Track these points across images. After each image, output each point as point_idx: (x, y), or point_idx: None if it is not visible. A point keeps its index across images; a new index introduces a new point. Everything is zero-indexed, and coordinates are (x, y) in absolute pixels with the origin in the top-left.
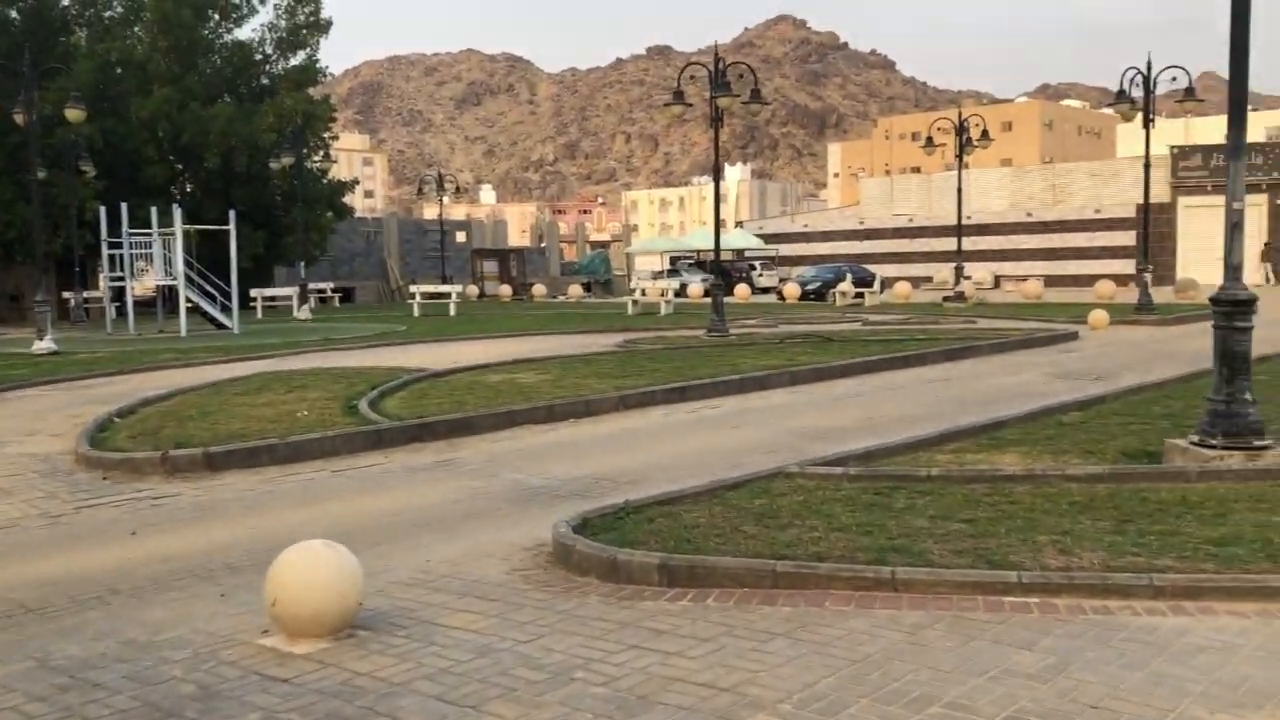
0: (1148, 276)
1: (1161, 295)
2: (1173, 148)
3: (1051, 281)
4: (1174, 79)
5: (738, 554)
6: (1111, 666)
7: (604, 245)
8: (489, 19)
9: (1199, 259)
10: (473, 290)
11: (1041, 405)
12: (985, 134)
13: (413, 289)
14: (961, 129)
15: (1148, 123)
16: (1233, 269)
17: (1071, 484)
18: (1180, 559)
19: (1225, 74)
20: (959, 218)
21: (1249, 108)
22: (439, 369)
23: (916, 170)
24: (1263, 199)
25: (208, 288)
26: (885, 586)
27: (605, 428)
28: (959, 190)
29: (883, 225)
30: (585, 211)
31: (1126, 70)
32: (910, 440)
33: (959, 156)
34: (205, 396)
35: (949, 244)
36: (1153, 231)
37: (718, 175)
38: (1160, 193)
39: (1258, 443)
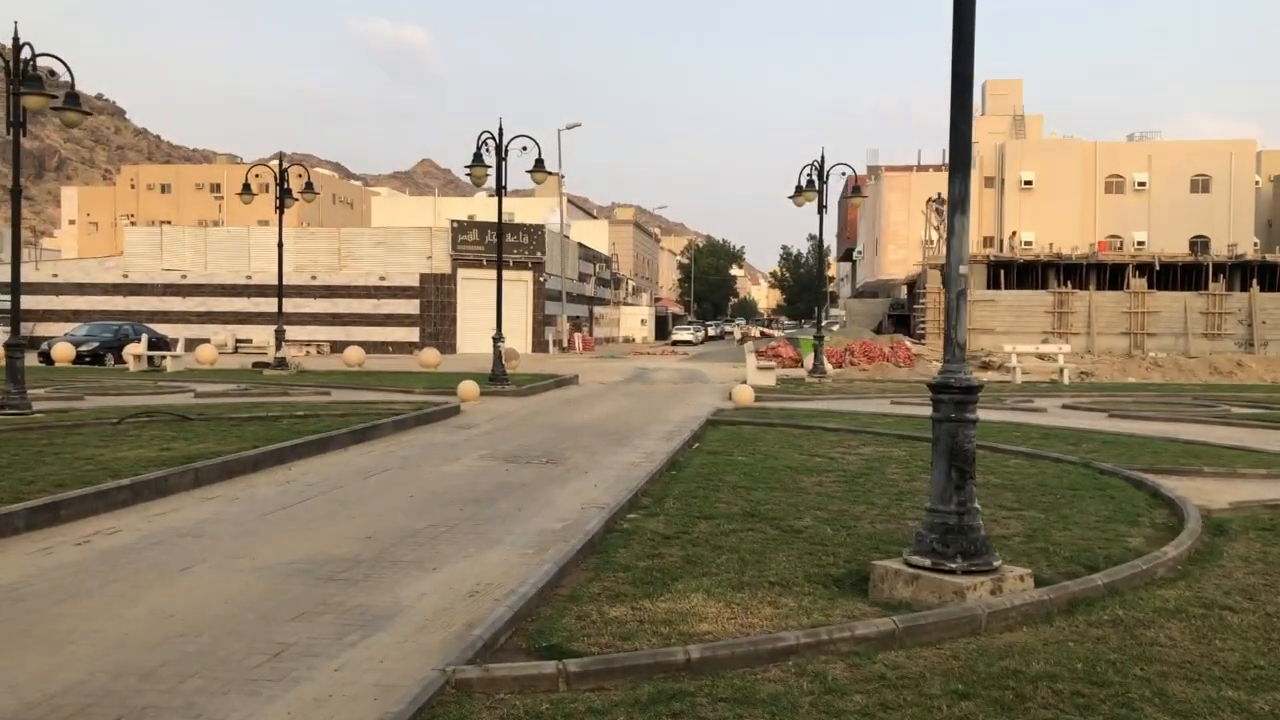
0: (502, 346)
1: (453, 363)
2: (453, 221)
3: (339, 347)
4: (524, 148)
5: None
6: None
7: None
8: None
9: (476, 328)
10: None
11: (584, 505)
12: (309, 186)
13: None
14: (282, 179)
15: (500, 189)
16: (958, 347)
17: (893, 653)
18: None
19: (441, 163)
20: (280, 277)
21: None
22: None
23: (166, 223)
24: (528, 275)
25: None
26: None
27: None
28: (280, 246)
29: (152, 281)
30: None
31: (481, 134)
32: (540, 585)
33: (279, 209)
34: None
35: (229, 304)
36: (435, 300)
37: (18, 197)
38: (442, 265)
39: (995, 563)
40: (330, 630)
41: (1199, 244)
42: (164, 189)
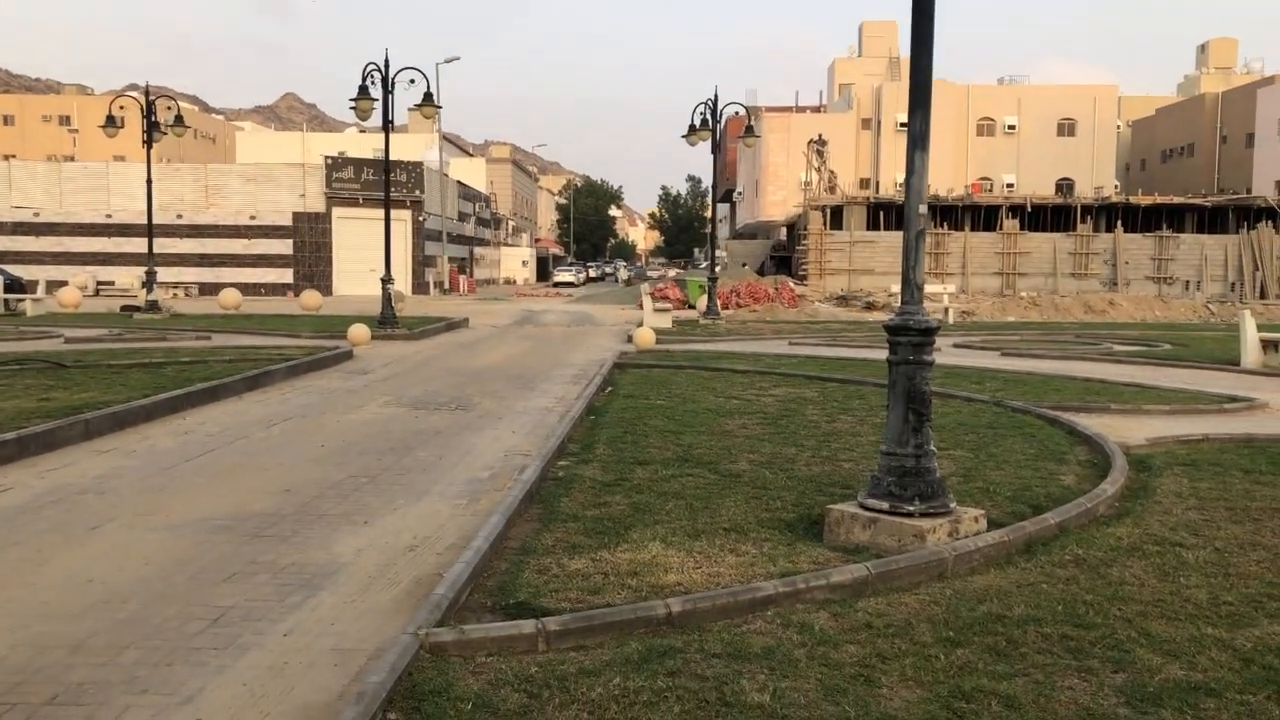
0: (392, 289)
1: (333, 306)
2: (327, 158)
3: (208, 289)
4: (412, 81)
5: None
6: None
7: None
8: None
9: (353, 270)
10: None
11: (507, 453)
12: (180, 119)
13: None
14: (149, 111)
15: (387, 124)
16: (916, 288)
17: (871, 600)
18: None
19: (305, 97)
20: (149, 216)
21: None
22: None
23: (12, 157)
24: (407, 215)
25: None
26: None
27: None
28: (149, 183)
29: (0, 219)
30: None
31: (367, 65)
32: (491, 538)
33: (147, 143)
34: None
35: (88, 244)
36: (310, 240)
37: None
38: (316, 203)
39: (951, 504)
40: (268, 591)
41: (1065, 186)
42: (7, 120)
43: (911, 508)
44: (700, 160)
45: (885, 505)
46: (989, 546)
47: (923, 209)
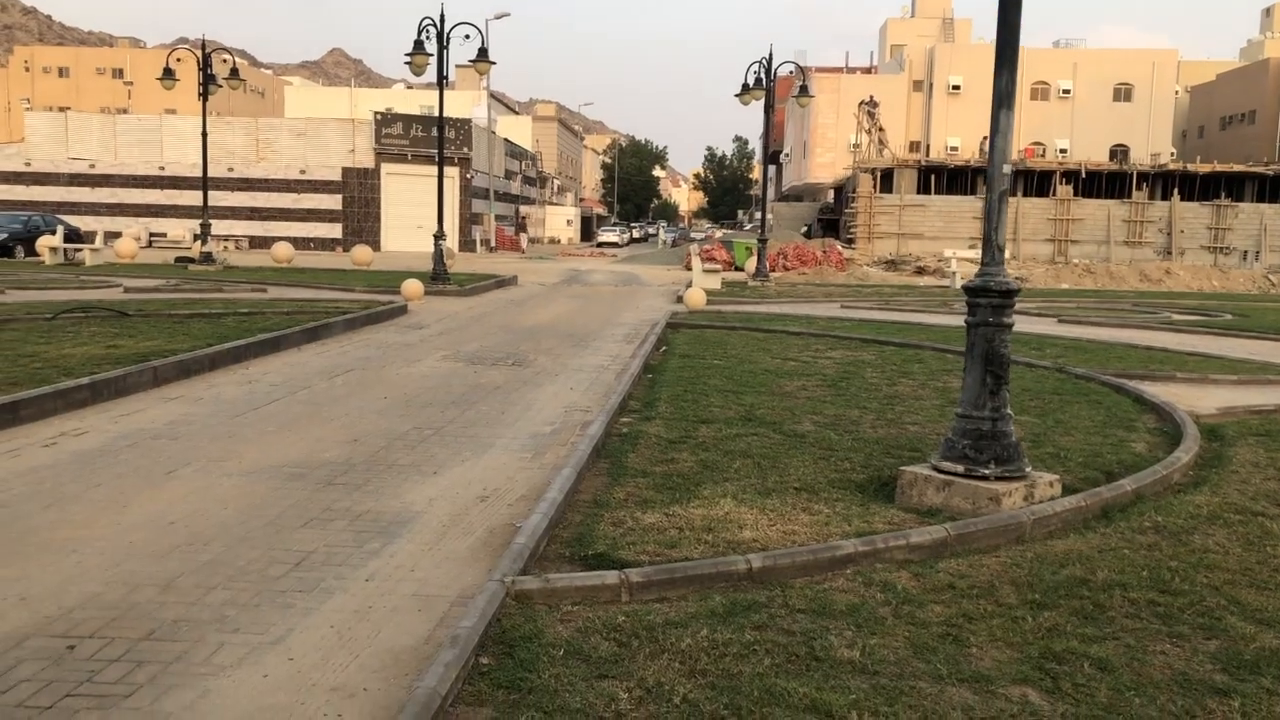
0: (444, 244)
1: (382, 261)
2: (376, 113)
3: (257, 243)
4: (467, 36)
5: None
6: None
7: None
8: None
9: (401, 226)
10: None
11: (567, 409)
12: (235, 72)
13: None
14: (205, 64)
15: (442, 80)
16: (997, 249)
17: (952, 561)
18: None
19: (352, 53)
20: (204, 169)
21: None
22: None
23: (65, 109)
24: (455, 172)
25: None
26: None
27: None
28: (204, 135)
29: (58, 170)
30: None
31: (422, 20)
32: (565, 490)
33: (203, 96)
34: None
35: (141, 196)
36: (359, 196)
37: None
38: (365, 159)
39: (1026, 469)
40: (347, 538)
41: (1120, 152)
42: (62, 72)
43: (987, 471)
44: (745, 121)
45: (960, 468)
46: (1066, 511)
47: (1007, 169)
